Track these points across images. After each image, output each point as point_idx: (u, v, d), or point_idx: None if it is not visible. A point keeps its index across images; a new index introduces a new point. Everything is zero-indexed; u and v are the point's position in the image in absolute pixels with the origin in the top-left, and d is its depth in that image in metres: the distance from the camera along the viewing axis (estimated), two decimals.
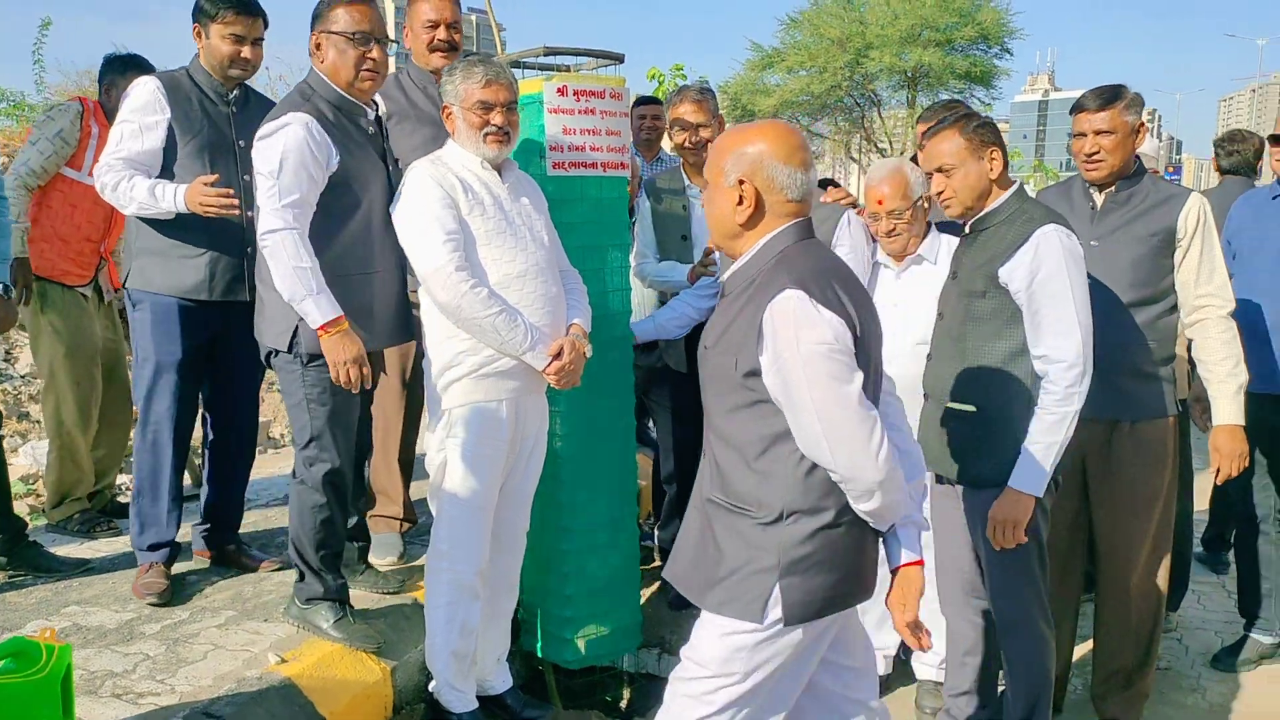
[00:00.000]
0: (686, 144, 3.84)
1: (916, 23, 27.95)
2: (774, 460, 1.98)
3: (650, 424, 4.75)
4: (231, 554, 3.71)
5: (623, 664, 3.73)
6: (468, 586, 2.96)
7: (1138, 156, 3.10)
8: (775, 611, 1.99)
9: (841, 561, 2.03)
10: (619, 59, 3.87)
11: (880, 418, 1.94)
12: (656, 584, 4.23)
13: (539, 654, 3.57)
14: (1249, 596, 3.81)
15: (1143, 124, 3.02)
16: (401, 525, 3.90)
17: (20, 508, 4.41)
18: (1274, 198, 3.63)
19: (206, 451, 3.69)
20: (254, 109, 3.40)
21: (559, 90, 3.30)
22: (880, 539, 2.14)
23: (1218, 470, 3.18)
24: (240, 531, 3.79)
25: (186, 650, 3.01)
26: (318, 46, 3.00)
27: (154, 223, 3.27)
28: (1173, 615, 4.09)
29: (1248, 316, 3.55)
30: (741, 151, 2.00)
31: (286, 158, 2.80)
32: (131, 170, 3.22)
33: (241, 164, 3.32)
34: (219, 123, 3.36)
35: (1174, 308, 3.06)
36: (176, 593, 3.43)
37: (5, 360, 6.93)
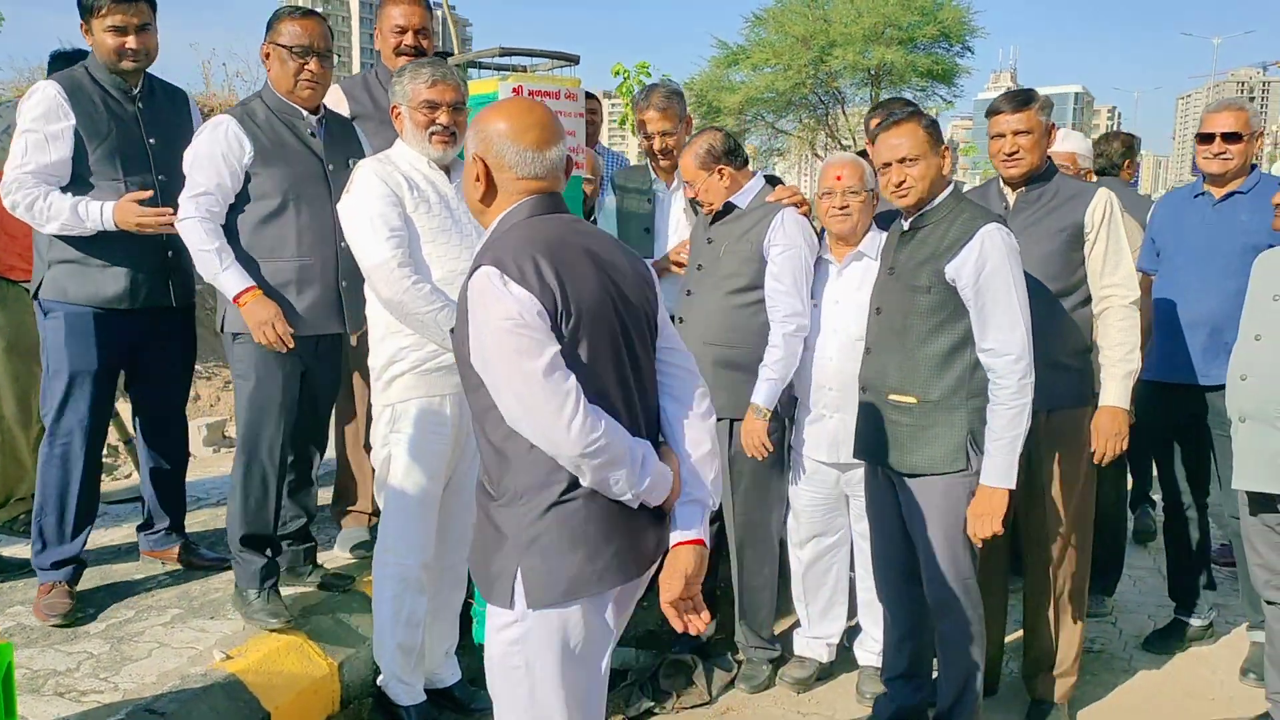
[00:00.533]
0: (654, 149, 3.86)
1: (879, 21, 28.16)
2: (510, 440, 1.94)
3: None
4: (179, 554, 3.67)
5: None
6: (413, 580, 3.00)
7: (1049, 157, 3.21)
8: (521, 597, 1.94)
9: (584, 538, 1.94)
10: (574, 60, 3.90)
11: (576, 389, 1.86)
12: None
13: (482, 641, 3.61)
14: (1178, 581, 3.93)
15: (1053, 125, 3.14)
16: (370, 520, 3.93)
17: None
18: (1195, 196, 3.72)
19: (142, 455, 3.64)
20: (161, 101, 3.36)
21: (514, 90, 3.33)
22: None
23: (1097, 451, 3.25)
24: (192, 531, 3.79)
25: (131, 649, 3.03)
26: (266, 55, 3.18)
27: (67, 235, 3.17)
28: (1108, 599, 4.20)
29: (1168, 312, 3.67)
30: (481, 129, 2.03)
31: (198, 153, 3.07)
32: (45, 186, 3.12)
33: (156, 163, 3.27)
34: (127, 122, 3.25)
35: (1087, 300, 3.16)
36: (122, 593, 3.42)
37: None
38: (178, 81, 3.60)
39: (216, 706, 2.73)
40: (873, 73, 29.51)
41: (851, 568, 3.62)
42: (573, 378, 1.87)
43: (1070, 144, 4.23)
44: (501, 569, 1.96)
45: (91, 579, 3.48)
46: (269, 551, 3.27)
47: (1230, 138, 3.55)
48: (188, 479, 3.70)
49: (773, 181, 3.78)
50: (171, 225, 3.08)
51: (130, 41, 3.17)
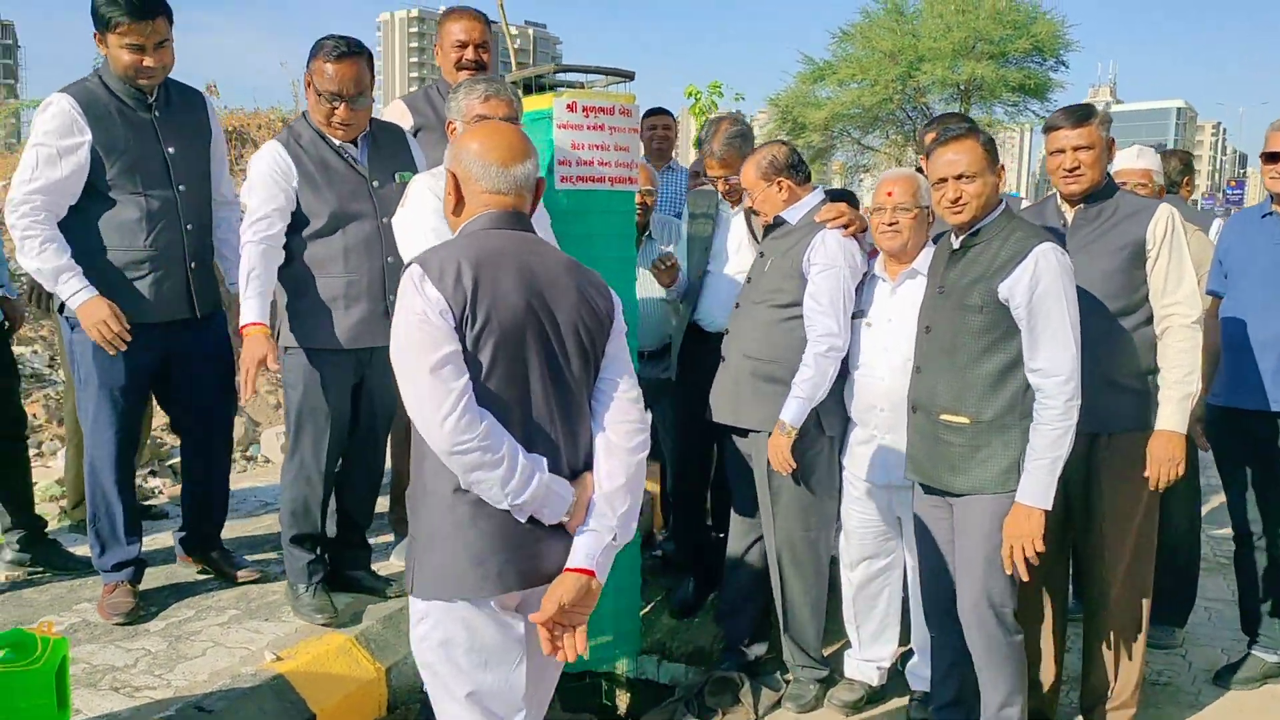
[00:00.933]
0: (719, 186, 3.90)
1: (969, 35, 27.74)
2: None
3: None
4: (214, 561, 3.69)
5: (621, 669, 3.77)
6: None
7: (1108, 173, 3.12)
8: (415, 586, 2.07)
9: (471, 541, 2.01)
10: (629, 76, 3.93)
11: (461, 390, 1.94)
12: (665, 592, 4.30)
13: None
14: (1250, 613, 3.77)
15: (1113, 140, 3.05)
16: None
17: (52, 509, 4.58)
18: (1263, 216, 3.59)
19: (181, 461, 3.65)
20: (177, 106, 3.33)
21: (568, 106, 3.39)
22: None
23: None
24: (259, 534, 3.91)
25: (187, 647, 3.13)
26: (308, 84, 3.27)
27: (94, 246, 3.17)
28: (1178, 631, 4.05)
29: (1236, 334, 3.54)
30: (456, 148, 2.18)
31: (253, 180, 3.22)
32: (50, 224, 3.10)
33: (175, 173, 3.26)
34: (144, 132, 3.22)
35: (1149, 320, 3.06)
36: (184, 593, 3.54)
37: (49, 366, 7.19)
38: (270, 102, 3.71)
39: (264, 706, 2.81)
40: (962, 88, 29.06)
41: (905, 591, 3.56)
42: (464, 379, 1.95)
43: (1145, 161, 4.11)
44: (409, 558, 2.10)
45: (157, 579, 3.61)
46: (318, 549, 3.38)
47: None
48: (266, 483, 3.82)
49: (841, 198, 3.76)
50: (122, 346, 3.11)
51: (147, 60, 3.15)
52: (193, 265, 3.32)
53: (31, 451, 4.39)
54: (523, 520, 2.02)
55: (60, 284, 3.08)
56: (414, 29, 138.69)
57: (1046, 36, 28.02)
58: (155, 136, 3.24)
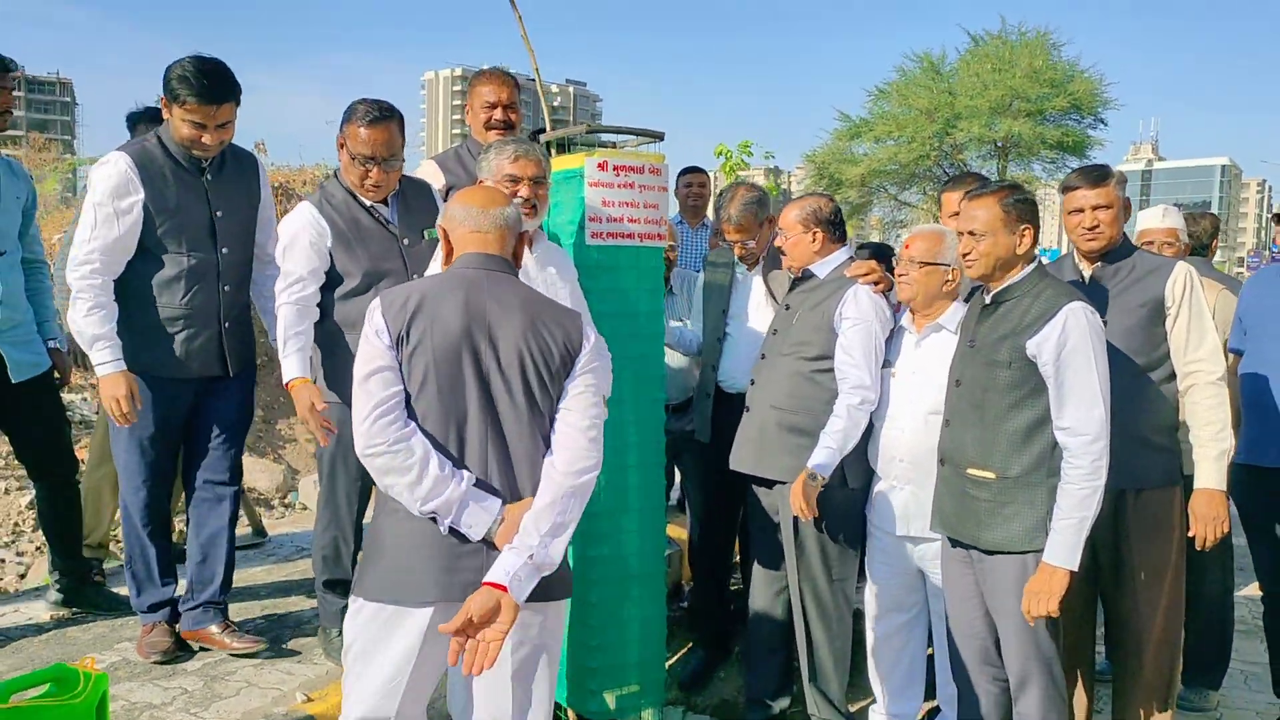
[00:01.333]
0: (736, 250, 3.95)
1: (1006, 94, 27.85)
2: None
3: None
4: (215, 636, 3.49)
5: (646, 719, 3.78)
6: None
7: (1125, 233, 3.17)
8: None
9: (394, 549, 2.23)
10: (659, 136, 4.05)
11: (383, 399, 2.17)
12: (688, 645, 4.31)
13: (564, 703, 3.67)
14: None
15: (1128, 200, 3.11)
16: None
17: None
18: None
19: (191, 523, 3.60)
20: (229, 172, 3.43)
21: (599, 165, 3.49)
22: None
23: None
24: (293, 579, 3.98)
25: (222, 686, 3.22)
26: (341, 146, 3.40)
27: (131, 300, 3.27)
28: (1212, 694, 4.00)
29: (1256, 391, 3.56)
30: (445, 207, 2.49)
31: (287, 243, 3.33)
32: (108, 279, 3.22)
33: (220, 236, 3.36)
34: (194, 196, 3.32)
35: (1172, 376, 3.08)
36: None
37: (96, 414, 7.37)
38: (316, 158, 3.83)
39: None
40: (999, 145, 29.14)
41: (930, 645, 3.55)
42: (389, 390, 2.17)
43: (1170, 220, 4.16)
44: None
45: None
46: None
47: None
48: (297, 530, 3.87)
49: (879, 252, 3.83)
50: (130, 422, 3.24)
51: (206, 138, 3.25)
52: (226, 325, 3.41)
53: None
54: (444, 531, 2.16)
55: (94, 350, 3.20)
56: (457, 88, 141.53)
57: (1084, 95, 28.06)
58: (205, 200, 3.35)
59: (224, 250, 3.39)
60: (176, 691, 3.16)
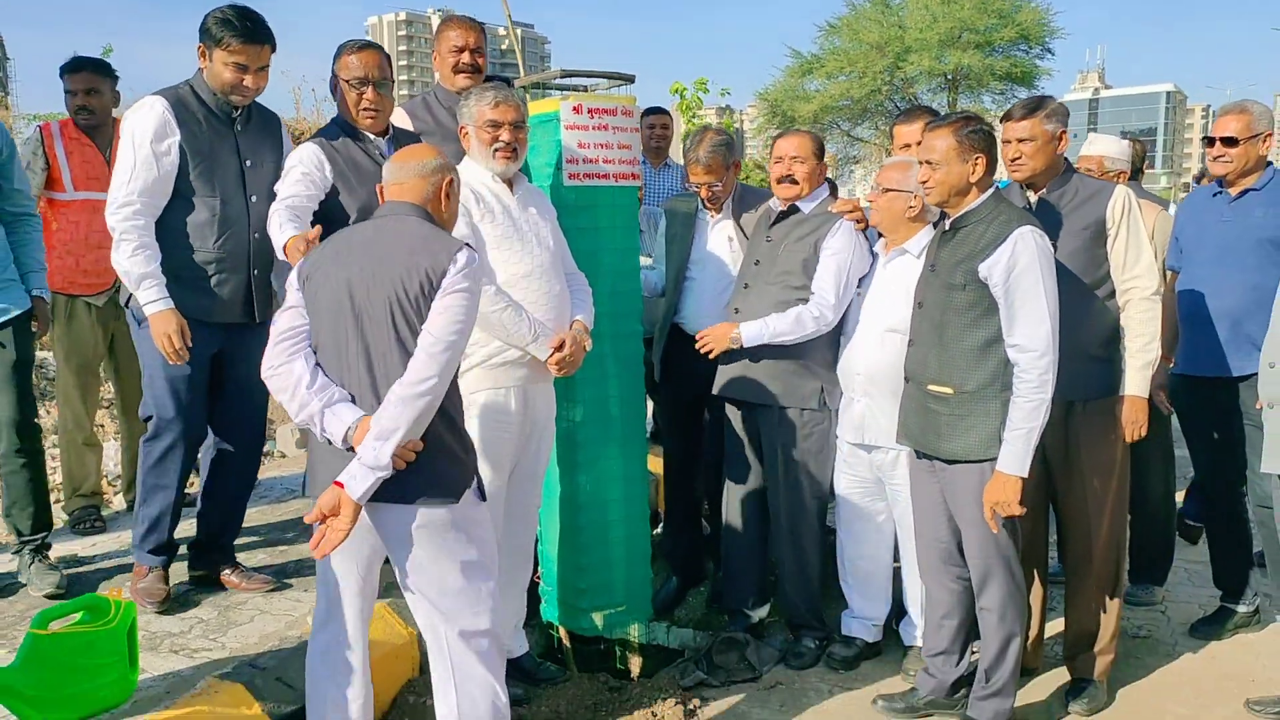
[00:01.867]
0: (702, 195, 4.05)
1: (955, 25, 27.94)
2: None
3: None
4: (225, 577, 3.69)
5: (634, 634, 4.01)
6: None
7: (1066, 159, 3.37)
8: None
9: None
10: (630, 79, 4.17)
11: (283, 332, 2.54)
12: (662, 573, 4.52)
13: (556, 621, 3.89)
14: (1221, 568, 4.03)
15: (1064, 131, 3.29)
16: None
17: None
18: (1213, 195, 3.84)
19: (204, 469, 3.71)
20: (256, 126, 3.52)
21: (574, 108, 3.63)
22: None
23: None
24: (285, 519, 4.12)
25: (235, 615, 3.40)
26: (334, 87, 3.51)
27: (167, 243, 3.30)
28: (1157, 589, 4.31)
29: (1191, 306, 3.79)
30: None
31: (289, 170, 3.37)
32: (149, 220, 3.26)
33: (248, 185, 3.43)
34: (225, 143, 3.39)
35: (1113, 294, 3.31)
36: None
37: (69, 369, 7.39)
38: (270, 104, 3.88)
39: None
40: (950, 78, 29.29)
41: (895, 554, 3.80)
42: (290, 325, 2.54)
43: (1097, 148, 4.37)
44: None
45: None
46: None
47: (1227, 141, 3.68)
48: (284, 473, 3.99)
49: (832, 188, 4.02)
50: (182, 359, 3.29)
51: (248, 80, 3.34)
52: (255, 272, 3.47)
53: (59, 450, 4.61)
54: (319, 440, 2.51)
55: (141, 288, 3.24)
56: (402, 32, 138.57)
57: (1031, 25, 28.22)
58: (235, 149, 3.42)
59: (253, 199, 3.43)
60: (193, 620, 3.34)
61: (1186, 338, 3.82)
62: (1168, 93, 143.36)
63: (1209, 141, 3.75)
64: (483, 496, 2.65)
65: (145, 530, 3.51)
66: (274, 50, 3.41)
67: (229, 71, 3.31)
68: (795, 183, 3.71)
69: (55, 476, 4.64)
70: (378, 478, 2.36)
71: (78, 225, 4.28)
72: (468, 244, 2.54)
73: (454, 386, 2.57)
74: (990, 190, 3.14)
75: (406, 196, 2.60)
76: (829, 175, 4.02)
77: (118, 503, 4.86)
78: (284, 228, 3.17)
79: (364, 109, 3.47)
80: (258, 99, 3.51)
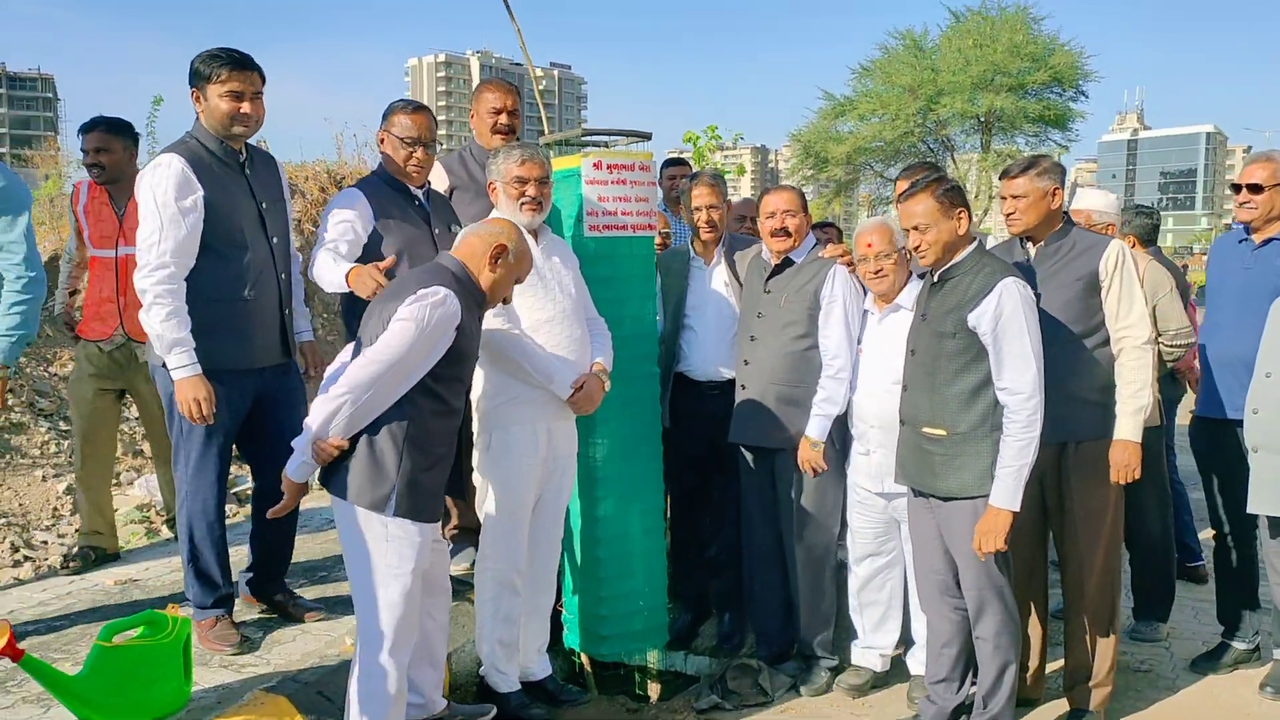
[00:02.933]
0: (702, 221, 4.26)
1: (988, 68, 28.12)
2: None
3: None
4: (279, 604, 3.85)
5: (651, 661, 4.21)
6: (508, 583, 3.52)
7: (1066, 214, 3.57)
8: None
9: None
10: (647, 136, 4.43)
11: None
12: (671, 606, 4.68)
13: (578, 648, 4.10)
14: (1224, 605, 4.15)
15: (1057, 188, 3.48)
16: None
17: (131, 531, 5.10)
18: (1239, 241, 3.99)
19: (253, 504, 3.83)
20: (261, 167, 3.61)
21: (594, 164, 3.89)
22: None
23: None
24: (313, 554, 4.34)
25: (279, 634, 3.66)
26: (381, 140, 3.77)
27: (200, 296, 3.35)
28: (1161, 626, 4.43)
29: (1213, 349, 3.95)
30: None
31: (332, 215, 3.63)
32: (182, 281, 3.31)
33: (268, 228, 3.54)
34: (241, 189, 3.47)
35: (1107, 341, 3.48)
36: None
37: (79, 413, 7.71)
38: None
39: (346, 679, 3.28)
40: (982, 119, 29.46)
41: (906, 586, 3.98)
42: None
43: (1084, 202, 4.52)
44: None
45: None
46: None
47: (1253, 188, 3.82)
48: (324, 505, 4.18)
49: (822, 227, 4.23)
50: (206, 419, 3.37)
51: (245, 107, 3.39)
52: (286, 312, 3.62)
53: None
54: None
55: (172, 354, 3.29)
56: (441, 74, 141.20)
57: (1064, 68, 28.34)
58: (250, 193, 3.51)
59: (274, 240, 3.56)
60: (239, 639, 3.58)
61: (1206, 381, 3.96)
62: (1208, 134, 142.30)
63: (1236, 189, 3.89)
64: (424, 535, 2.94)
65: (202, 584, 3.58)
66: (264, 80, 3.49)
67: (225, 101, 3.38)
68: (789, 235, 3.92)
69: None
70: (301, 460, 2.82)
71: (97, 281, 4.53)
72: (447, 288, 2.84)
73: (418, 419, 2.85)
74: (975, 243, 3.36)
75: (456, 252, 3.03)
76: (829, 219, 4.23)
77: (166, 531, 5.15)
78: (339, 262, 3.43)
79: (413, 165, 3.73)
80: (298, 146, 3.74)
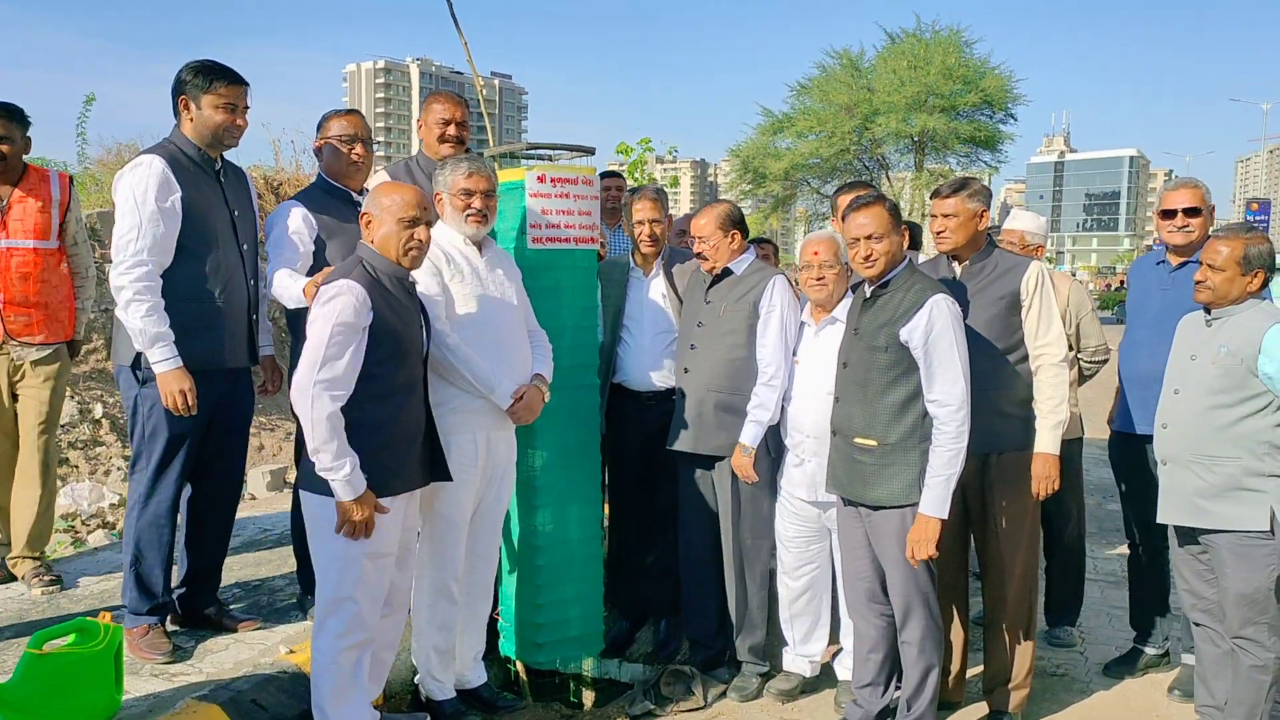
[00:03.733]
0: (644, 235, 4.35)
1: (921, 90, 28.73)
2: None
3: None
4: (212, 617, 3.81)
5: (586, 669, 4.25)
6: (445, 591, 3.55)
7: (989, 236, 3.72)
8: None
9: None
10: (590, 151, 4.49)
11: None
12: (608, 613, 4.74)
13: (514, 655, 4.13)
14: (1136, 612, 4.34)
15: (985, 210, 3.64)
16: None
17: (58, 540, 5.01)
18: (1158, 263, 4.16)
19: (188, 509, 3.75)
20: (232, 178, 3.73)
21: (539, 178, 3.94)
22: None
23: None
24: (260, 557, 4.35)
25: (212, 643, 3.63)
26: (319, 149, 3.86)
27: (174, 296, 3.40)
28: (1073, 630, 4.61)
29: (1129, 368, 4.11)
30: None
31: (280, 234, 3.69)
32: (158, 278, 3.37)
33: (239, 234, 3.64)
34: (215, 195, 3.57)
35: (1026, 357, 3.63)
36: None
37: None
38: (251, 157, 4.14)
39: (282, 688, 3.31)
40: (916, 139, 30.10)
41: (834, 595, 4.08)
42: None
43: (1019, 223, 4.69)
44: None
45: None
46: None
47: (1190, 212, 3.96)
48: (257, 513, 4.18)
49: (759, 242, 4.33)
50: (191, 409, 3.41)
51: (239, 119, 3.55)
52: (254, 317, 3.70)
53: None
54: None
55: (154, 348, 3.34)
56: (380, 80, 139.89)
57: (995, 91, 29.06)
58: (224, 200, 3.61)
59: (244, 246, 3.66)
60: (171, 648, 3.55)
61: (1122, 397, 4.13)
62: (1131, 157, 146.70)
63: (1168, 214, 3.99)
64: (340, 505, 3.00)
65: (141, 590, 3.56)
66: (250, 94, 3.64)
67: (221, 114, 3.51)
68: (706, 258, 4.04)
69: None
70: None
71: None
72: (348, 278, 3.00)
73: (355, 404, 2.98)
74: (906, 261, 3.49)
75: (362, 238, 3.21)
76: (766, 234, 4.34)
77: (94, 539, 5.07)
78: (295, 278, 3.50)
79: (354, 159, 3.86)
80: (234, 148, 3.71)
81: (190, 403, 3.40)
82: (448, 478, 3.34)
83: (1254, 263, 3.33)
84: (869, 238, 3.43)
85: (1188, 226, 3.95)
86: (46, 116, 4.63)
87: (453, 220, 3.55)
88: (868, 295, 3.54)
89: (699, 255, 4.08)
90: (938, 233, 3.66)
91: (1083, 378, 4.57)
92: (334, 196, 3.84)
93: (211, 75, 3.49)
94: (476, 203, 3.52)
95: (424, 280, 3.41)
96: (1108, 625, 4.87)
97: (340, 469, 2.93)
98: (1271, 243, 3.41)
